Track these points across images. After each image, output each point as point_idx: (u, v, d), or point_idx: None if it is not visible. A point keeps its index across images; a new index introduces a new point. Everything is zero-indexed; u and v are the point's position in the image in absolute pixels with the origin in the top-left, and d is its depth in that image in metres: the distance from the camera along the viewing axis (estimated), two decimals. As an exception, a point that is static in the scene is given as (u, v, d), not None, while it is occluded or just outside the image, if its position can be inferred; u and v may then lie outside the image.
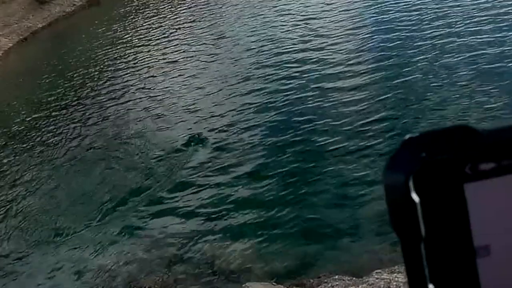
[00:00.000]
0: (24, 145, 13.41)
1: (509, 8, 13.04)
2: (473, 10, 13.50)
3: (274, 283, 6.97)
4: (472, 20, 12.98)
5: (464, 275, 0.43)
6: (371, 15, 15.18)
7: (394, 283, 6.04)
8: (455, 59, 11.55)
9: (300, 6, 17.48)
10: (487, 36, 12.12)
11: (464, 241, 0.43)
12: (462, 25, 12.93)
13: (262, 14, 17.78)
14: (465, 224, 0.43)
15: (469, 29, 12.66)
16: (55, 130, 13.80)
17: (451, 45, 12.19)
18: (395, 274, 6.25)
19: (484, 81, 10.53)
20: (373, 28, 14.29)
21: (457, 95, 10.31)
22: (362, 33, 14.23)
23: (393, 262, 6.71)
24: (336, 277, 6.69)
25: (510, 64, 10.84)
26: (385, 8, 15.26)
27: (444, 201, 0.43)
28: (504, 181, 0.42)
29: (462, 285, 0.43)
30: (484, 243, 0.43)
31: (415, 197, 0.42)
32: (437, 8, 14.28)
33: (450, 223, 0.43)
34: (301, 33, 15.27)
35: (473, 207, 0.43)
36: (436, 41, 12.55)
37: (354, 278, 6.56)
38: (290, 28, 15.89)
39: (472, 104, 9.92)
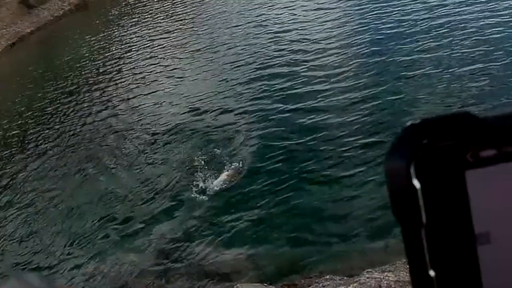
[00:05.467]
0: (8, 152, 13.36)
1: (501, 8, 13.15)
2: (466, 13, 13.57)
3: (265, 284, 6.96)
4: (466, 21, 13.05)
5: (465, 261, 0.43)
6: (361, 20, 15.23)
7: (385, 282, 6.04)
8: (449, 55, 11.59)
9: (290, 14, 17.47)
10: (481, 32, 12.19)
11: (465, 228, 0.43)
12: (456, 23, 12.98)
13: (247, 22, 17.73)
14: (466, 211, 0.42)
15: (462, 29, 12.69)
16: (41, 137, 13.72)
17: (445, 42, 12.23)
18: (386, 273, 6.25)
19: (480, 73, 10.60)
20: (364, 31, 14.34)
21: (452, 92, 10.33)
22: (352, 38, 14.28)
23: (384, 261, 6.71)
24: (327, 277, 6.68)
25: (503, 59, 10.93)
26: (380, 9, 15.29)
27: (445, 188, 0.42)
28: (505, 168, 0.42)
29: (462, 272, 0.43)
30: (485, 230, 0.43)
31: (416, 183, 0.42)
32: (424, 14, 14.35)
33: (451, 210, 0.43)
34: (293, 40, 15.28)
35: (474, 194, 0.42)
36: (428, 41, 12.60)
37: (345, 278, 6.56)
38: (277, 36, 15.89)
39: (470, 98, 9.97)
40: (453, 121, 0.43)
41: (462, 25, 12.71)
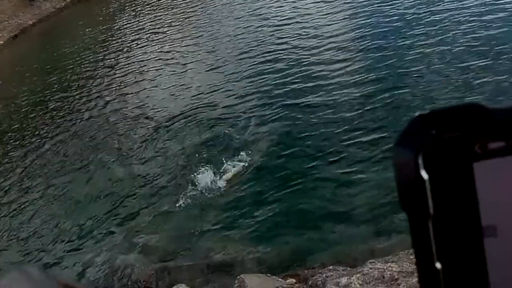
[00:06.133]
0: (9, 144, 13.38)
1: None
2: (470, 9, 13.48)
3: (268, 275, 6.99)
4: (471, 15, 12.96)
5: (471, 254, 0.43)
6: (364, 13, 15.14)
7: (388, 272, 6.04)
8: (455, 49, 11.51)
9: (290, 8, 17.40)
10: (486, 26, 12.11)
11: (472, 220, 0.43)
12: (461, 17, 12.89)
13: (249, 15, 17.64)
14: (474, 203, 0.42)
15: (467, 22, 12.61)
16: (43, 129, 13.71)
17: (451, 35, 12.15)
18: (389, 264, 6.26)
19: (486, 66, 10.54)
20: (368, 25, 14.26)
21: (459, 86, 10.26)
22: (355, 32, 14.21)
23: (387, 252, 6.73)
24: (330, 267, 6.70)
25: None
26: (384, 2, 15.19)
27: (453, 179, 0.42)
28: None
29: (469, 264, 0.43)
30: (492, 223, 0.43)
31: (424, 174, 0.42)
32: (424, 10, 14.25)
33: (458, 202, 0.42)
34: (295, 33, 15.22)
35: (481, 186, 0.42)
36: (433, 35, 12.52)
37: (348, 268, 6.57)
38: (278, 29, 15.83)
39: (477, 92, 9.91)
40: (461, 113, 0.43)
41: (467, 18, 12.63)
